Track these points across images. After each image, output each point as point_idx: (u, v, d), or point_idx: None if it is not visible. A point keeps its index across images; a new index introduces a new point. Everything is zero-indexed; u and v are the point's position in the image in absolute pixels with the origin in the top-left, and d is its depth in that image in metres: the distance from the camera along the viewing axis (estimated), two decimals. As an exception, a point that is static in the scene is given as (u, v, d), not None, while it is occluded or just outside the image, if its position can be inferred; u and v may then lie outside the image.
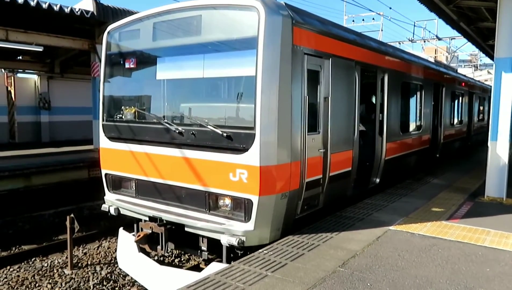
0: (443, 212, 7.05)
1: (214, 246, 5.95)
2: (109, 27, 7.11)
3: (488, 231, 6.06)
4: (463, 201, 7.94)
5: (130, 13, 12.64)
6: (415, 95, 11.01)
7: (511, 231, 6.00)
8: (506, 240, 5.65)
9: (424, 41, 28.82)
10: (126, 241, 7.12)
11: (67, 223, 8.37)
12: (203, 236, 5.98)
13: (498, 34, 7.76)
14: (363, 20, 28.47)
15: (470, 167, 12.51)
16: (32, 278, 8.04)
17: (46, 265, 8.65)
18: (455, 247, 5.39)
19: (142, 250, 6.71)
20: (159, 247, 6.29)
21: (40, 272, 8.27)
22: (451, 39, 29.19)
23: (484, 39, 15.38)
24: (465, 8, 11.61)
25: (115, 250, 8.75)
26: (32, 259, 8.95)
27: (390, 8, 51.28)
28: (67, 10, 11.90)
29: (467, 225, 6.31)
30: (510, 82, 7.68)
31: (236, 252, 5.82)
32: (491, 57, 11.50)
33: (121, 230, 7.40)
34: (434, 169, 11.75)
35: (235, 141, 5.45)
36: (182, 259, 8.81)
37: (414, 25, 26.09)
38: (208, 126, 5.64)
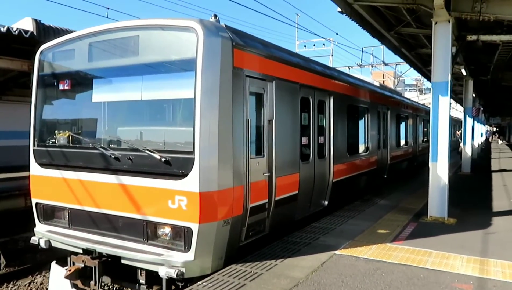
0: (388, 234, 7.09)
1: (155, 278, 5.57)
2: (42, 46, 6.74)
3: (430, 252, 6.12)
4: (408, 221, 8.06)
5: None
6: (361, 118, 11.25)
7: (452, 252, 6.09)
8: (447, 261, 5.71)
9: (372, 66, 30.16)
10: (58, 276, 6.54)
11: (-7, 258, 7.64)
12: (141, 269, 5.60)
13: (434, 60, 8.11)
14: (314, 45, 29.51)
15: (415, 187, 12.88)
16: (-50, 322, 7.19)
17: (-32, 306, 7.80)
18: (398, 270, 5.36)
19: (74, 286, 6.17)
20: (92, 283, 5.81)
21: (-40, 315, 7.43)
22: (397, 64, 30.82)
23: (424, 64, 16.18)
24: (405, 35, 12.18)
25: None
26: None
27: (337, 34, 54.32)
28: (3, 29, 11.19)
29: (410, 247, 6.35)
30: (447, 105, 8.00)
31: (177, 284, 5.49)
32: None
33: (53, 264, 6.80)
34: (382, 190, 11.98)
35: (173, 166, 5.20)
36: (123, 293, 8.24)
37: (362, 51, 27.24)
38: (145, 151, 5.35)
